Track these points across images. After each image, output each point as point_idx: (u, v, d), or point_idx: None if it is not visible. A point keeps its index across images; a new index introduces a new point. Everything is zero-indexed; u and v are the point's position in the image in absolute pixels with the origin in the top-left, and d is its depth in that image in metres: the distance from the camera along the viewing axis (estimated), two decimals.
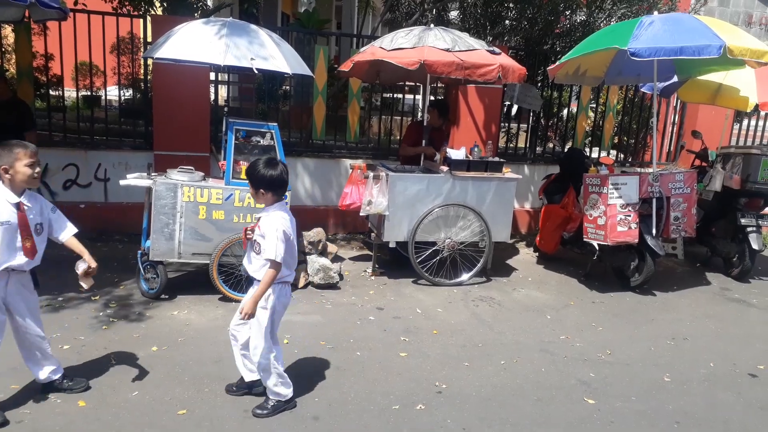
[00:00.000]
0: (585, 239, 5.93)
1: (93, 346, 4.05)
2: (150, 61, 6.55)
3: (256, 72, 4.80)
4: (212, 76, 6.80)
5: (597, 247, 5.94)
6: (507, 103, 8.24)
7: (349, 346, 4.39)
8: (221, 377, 3.75)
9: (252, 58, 4.73)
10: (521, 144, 8.82)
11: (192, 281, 5.34)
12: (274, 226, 3.23)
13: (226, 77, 8.13)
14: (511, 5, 9.25)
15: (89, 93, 9.07)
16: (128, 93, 8.87)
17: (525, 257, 7.15)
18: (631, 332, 5.03)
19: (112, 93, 9.63)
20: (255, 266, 3.30)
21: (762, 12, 14.41)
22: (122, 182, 4.82)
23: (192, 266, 5.55)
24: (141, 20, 6.88)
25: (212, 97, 6.25)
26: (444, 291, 5.71)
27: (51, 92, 7.82)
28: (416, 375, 4.01)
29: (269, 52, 4.87)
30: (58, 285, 5.05)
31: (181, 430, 3.19)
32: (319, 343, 4.39)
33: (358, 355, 4.24)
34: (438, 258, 5.87)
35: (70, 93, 9.46)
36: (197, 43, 4.73)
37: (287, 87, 8.64)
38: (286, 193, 5.06)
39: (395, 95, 9.28)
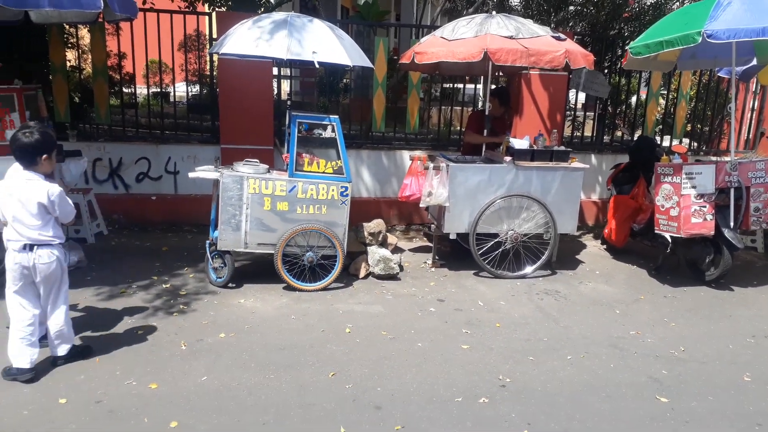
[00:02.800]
0: (656, 231, 5.68)
1: (164, 331, 4.21)
2: (216, 57, 6.73)
3: (317, 65, 4.84)
4: (275, 71, 6.91)
5: (669, 240, 5.68)
6: (572, 90, 8.00)
7: (410, 337, 4.38)
8: (287, 364, 3.82)
9: (314, 52, 4.77)
10: (587, 133, 8.54)
11: (257, 270, 5.46)
12: None
13: (288, 72, 8.26)
14: None
15: (159, 89, 9.43)
16: (195, 89, 9.16)
17: (592, 250, 6.93)
18: (706, 329, 4.79)
19: (181, 89, 9.99)
20: None
21: None
22: (191, 175, 4.98)
23: (258, 255, 5.68)
24: (206, 17, 7.07)
25: (275, 91, 6.34)
26: (507, 284, 5.61)
27: (124, 89, 8.18)
28: (479, 368, 3.96)
29: (330, 45, 4.90)
30: (134, 273, 5.30)
31: (247, 415, 3.26)
32: (380, 333, 4.40)
33: (419, 346, 4.22)
34: (500, 250, 5.76)
35: (141, 90, 9.85)
36: (260, 38, 4.82)
37: (347, 80, 8.71)
38: (347, 185, 5.17)
39: (455, 85, 9.16)
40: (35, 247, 3.40)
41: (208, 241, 5.24)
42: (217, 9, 8.28)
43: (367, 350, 4.12)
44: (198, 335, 4.18)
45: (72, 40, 7.56)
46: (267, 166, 5.20)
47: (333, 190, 5.16)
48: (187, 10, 7.83)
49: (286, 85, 11.90)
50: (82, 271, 5.27)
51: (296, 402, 3.41)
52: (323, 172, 5.16)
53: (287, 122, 5.29)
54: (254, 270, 5.51)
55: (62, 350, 3.64)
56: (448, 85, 10.14)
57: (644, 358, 4.23)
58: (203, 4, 8.88)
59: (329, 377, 3.70)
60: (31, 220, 3.37)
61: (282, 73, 8.22)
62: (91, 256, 5.57)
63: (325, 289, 5.15)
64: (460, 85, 9.66)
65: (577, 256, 6.60)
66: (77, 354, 3.72)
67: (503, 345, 4.33)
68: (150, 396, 3.38)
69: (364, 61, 5.24)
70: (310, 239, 5.15)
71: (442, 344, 4.29)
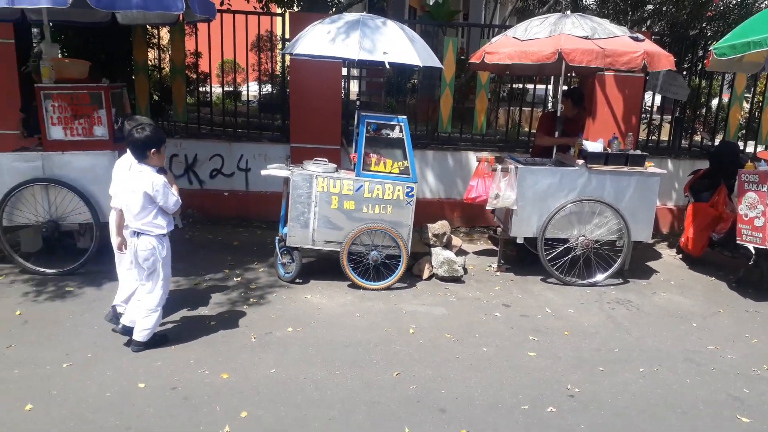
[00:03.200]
0: (738, 242, 5.38)
1: (235, 323, 4.34)
2: (287, 58, 6.87)
3: (387, 66, 4.87)
4: (346, 71, 7.00)
5: (753, 251, 5.37)
6: (648, 92, 7.69)
7: (475, 341, 4.33)
8: (352, 361, 3.86)
9: (385, 52, 4.80)
10: (664, 137, 8.19)
11: (324, 267, 5.54)
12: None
13: (356, 72, 8.35)
14: None
15: (232, 89, 9.74)
16: (267, 88, 9.40)
17: (667, 259, 6.63)
18: None
19: (253, 88, 10.29)
20: None
21: None
22: (263, 172, 5.11)
23: (324, 253, 5.77)
24: (279, 18, 7.24)
25: (345, 92, 6.44)
26: (576, 291, 5.45)
27: (199, 88, 8.50)
28: (546, 376, 3.87)
29: (402, 46, 4.91)
30: (207, 265, 5.49)
31: (313, 409, 3.32)
32: (444, 335, 4.38)
33: (484, 351, 4.17)
34: (570, 256, 5.60)
35: (216, 89, 10.21)
36: (332, 38, 4.89)
37: (414, 80, 8.70)
38: (413, 185, 5.16)
39: (525, 85, 8.98)
40: (139, 234, 3.73)
41: (277, 237, 5.37)
42: (289, 10, 8.47)
43: (431, 352, 4.10)
44: (267, 328, 4.29)
45: (153, 41, 7.92)
46: (335, 166, 5.27)
47: (399, 190, 5.17)
48: (261, 11, 8.04)
49: (354, 86, 12.02)
50: None
51: (361, 399, 3.44)
52: (389, 172, 5.18)
53: (356, 122, 5.34)
54: (320, 267, 5.59)
55: (135, 332, 3.86)
56: (516, 86, 9.96)
57: (723, 374, 4.02)
58: (277, 6, 9.10)
59: (393, 377, 3.72)
60: (136, 209, 3.69)
61: (350, 74, 8.34)
62: None
63: (388, 288, 5.17)
64: (529, 86, 9.45)
65: (650, 265, 6.33)
66: (157, 342, 3.92)
67: (572, 354, 4.21)
68: (221, 385, 3.50)
69: (433, 61, 5.23)
70: (375, 238, 5.18)
71: (508, 350, 4.22)
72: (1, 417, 3.10)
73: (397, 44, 4.93)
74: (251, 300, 4.80)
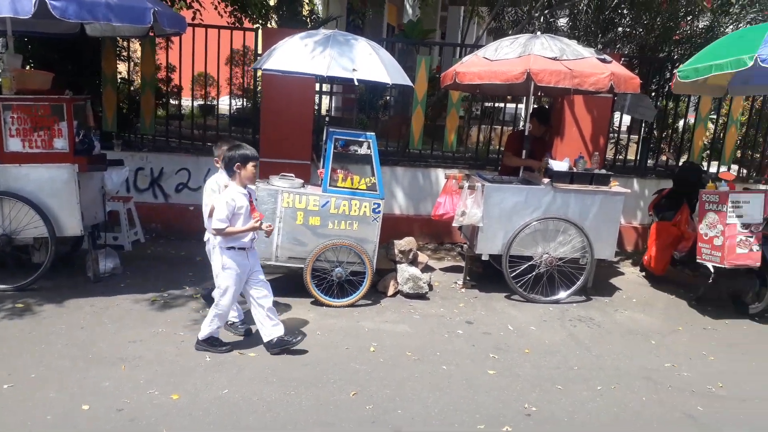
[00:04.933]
0: (699, 260, 5.46)
1: (191, 342, 4.23)
2: (260, 73, 6.86)
3: (356, 83, 4.88)
4: (319, 87, 7.01)
5: (712, 270, 5.44)
6: (617, 113, 7.81)
7: (436, 359, 4.31)
8: (308, 381, 3.81)
9: (354, 69, 4.81)
10: (631, 156, 8.32)
11: (286, 284, 5.47)
12: None
13: (329, 88, 8.36)
14: (625, 11, 8.78)
15: (204, 102, 9.69)
16: (239, 103, 9.36)
17: (630, 277, 6.70)
18: (748, 365, 4.55)
19: (225, 103, 10.25)
20: None
21: None
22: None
23: (287, 269, 5.71)
24: (253, 33, 7.23)
25: (317, 107, 6.44)
26: (539, 308, 5.48)
27: (171, 101, 8.43)
28: (504, 395, 3.86)
29: (371, 63, 4.94)
30: (167, 281, 5.41)
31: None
32: (405, 353, 4.35)
33: (444, 369, 4.15)
34: (534, 273, 5.64)
35: (188, 102, 10.13)
36: (302, 54, 4.90)
37: (387, 97, 8.74)
38: (380, 202, 5.17)
39: (496, 104, 9.07)
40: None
41: None
42: (263, 26, 8.47)
43: (390, 371, 4.07)
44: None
45: (124, 53, 7.85)
46: (302, 181, 5.25)
47: (365, 207, 5.16)
48: (234, 26, 8.02)
49: (328, 101, 11.98)
50: (117, 277, 5.42)
51: (314, 420, 3.39)
52: (357, 188, 5.17)
53: (324, 138, 5.34)
54: (283, 284, 5.53)
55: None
56: (490, 104, 10.06)
57: (679, 392, 4.05)
58: (250, 21, 9.10)
59: (350, 396, 3.67)
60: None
61: (323, 89, 8.35)
62: (126, 263, 5.74)
63: (352, 305, 5.14)
64: (502, 105, 9.56)
65: (614, 283, 6.40)
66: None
67: (531, 372, 4.21)
68: (170, 406, 3.41)
69: (403, 79, 5.26)
70: (340, 255, 5.16)
71: (468, 368, 4.20)
72: None
73: (366, 61, 4.95)
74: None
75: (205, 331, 4.11)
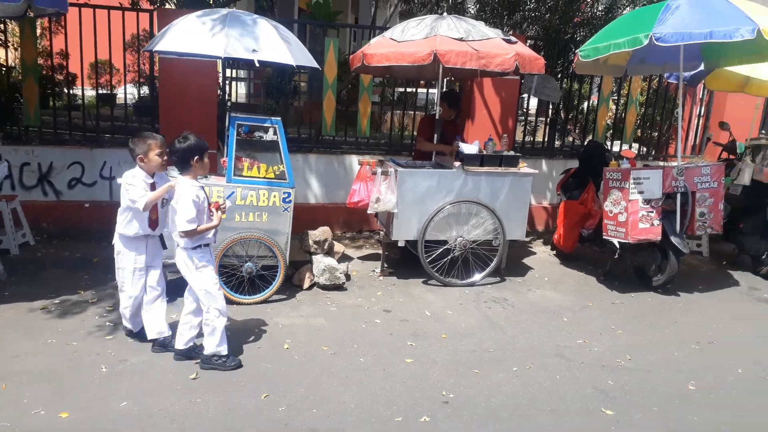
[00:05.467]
0: (605, 237, 5.65)
1: (85, 351, 3.89)
2: (156, 57, 6.42)
3: (257, 64, 4.63)
4: (229, 72, 6.64)
5: (617, 245, 5.65)
6: (525, 95, 7.95)
7: (353, 351, 4.19)
8: (216, 386, 3.58)
9: (254, 50, 4.55)
10: (539, 138, 8.52)
11: None
12: None
13: (240, 73, 8.00)
14: None
15: (103, 91, 9.03)
16: (143, 90, 8.78)
17: (542, 256, 6.87)
18: (652, 336, 4.75)
19: (131, 91, 9.61)
20: None
21: None
22: (119, 181, 4.66)
23: None
24: (148, 15, 6.74)
25: (228, 93, 6.09)
26: (455, 292, 5.48)
27: (61, 90, 7.76)
28: (422, 383, 3.80)
29: (273, 44, 4.69)
30: (59, 286, 4.96)
31: None
32: (321, 348, 4.20)
33: (361, 362, 4.04)
34: (449, 257, 5.63)
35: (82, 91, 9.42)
36: (196, 35, 4.59)
37: (299, 82, 8.47)
38: (290, 191, 4.96)
39: (411, 89, 9.02)
40: None
41: None
42: (160, 7, 7.93)
43: (305, 368, 3.91)
44: (122, 355, 3.89)
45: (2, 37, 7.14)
46: None
47: (275, 197, 4.93)
48: (127, 6, 7.45)
49: (242, 88, 11.53)
50: (1, 285, 4.92)
51: (222, 428, 3.17)
52: (264, 177, 4.93)
53: (227, 124, 5.05)
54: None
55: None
56: (403, 90, 10.01)
57: (590, 368, 4.15)
58: (150, 3, 8.51)
59: (262, 399, 3.48)
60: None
61: (235, 75, 7.96)
62: (13, 269, 5.23)
63: (265, 301, 4.92)
64: (419, 90, 9.54)
65: (526, 262, 6.53)
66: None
67: (448, 357, 4.18)
68: (59, 426, 3.09)
69: (309, 61, 5.05)
70: (249, 249, 4.91)
71: (386, 358, 4.11)
72: None
73: (268, 42, 4.69)
74: (107, 324, 4.35)
75: (209, 347, 3.77)
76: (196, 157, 3.74)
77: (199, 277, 3.77)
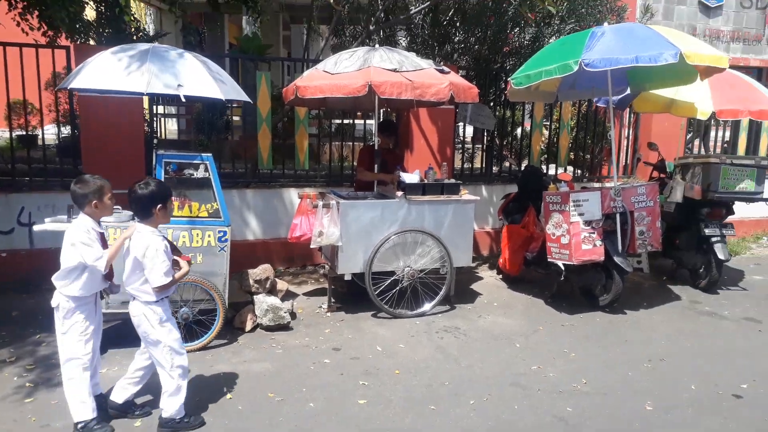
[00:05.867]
0: (549, 260, 5.65)
1: (1, 420, 3.46)
2: (77, 95, 6.05)
3: (183, 99, 4.40)
4: (158, 109, 6.33)
5: (562, 267, 5.66)
6: (460, 123, 8.01)
7: (302, 396, 3.93)
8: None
9: (179, 85, 4.33)
10: (477, 164, 8.59)
11: (125, 332, 4.74)
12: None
13: (171, 109, 7.68)
14: (458, 24, 9.10)
15: (20, 132, 8.48)
16: (66, 130, 8.29)
17: (489, 281, 6.82)
18: (605, 357, 4.72)
19: (50, 131, 9.08)
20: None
21: (705, 24, 14.78)
22: (36, 228, 4.26)
23: (124, 316, 5.00)
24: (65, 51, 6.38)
25: (154, 130, 5.78)
26: (406, 323, 5.31)
27: None
28: (377, 425, 3.58)
29: (199, 78, 4.50)
30: None
31: None
32: (267, 395, 3.92)
33: (311, 407, 3.78)
34: (398, 288, 5.48)
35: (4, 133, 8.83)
36: (116, 70, 4.34)
37: (231, 116, 8.23)
38: (225, 229, 4.70)
39: (349, 120, 8.94)
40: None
41: None
42: (76, 42, 7.54)
43: (249, 419, 3.62)
44: (45, 419, 3.50)
45: None
46: (131, 213, 4.59)
47: (209, 236, 4.66)
48: (42, 44, 7.03)
49: (173, 125, 11.10)
50: None
51: None
52: (197, 217, 4.66)
53: (154, 163, 4.76)
54: (123, 331, 4.81)
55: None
56: (340, 121, 9.93)
57: (548, 395, 4.05)
58: (66, 38, 8.09)
59: None
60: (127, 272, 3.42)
61: (164, 112, 7.64)
62: None
63: (204, 348, 4.59)
64: (358, 121, 9.48)
65: (474, 288, 6.45)
66: None
67: (403, 395, 3.98)
68: None
69: (239, 95, 4.89)
70: (184, 293, 4.59)
71: (337, 402, 3.87)
72: None
73: (194, 77, 4.50)
74: (27, 385, 3.92)
75: (172, 408, 3.43)
76: (159, 206, 3.37)
77: (163, 333, 3.41)
